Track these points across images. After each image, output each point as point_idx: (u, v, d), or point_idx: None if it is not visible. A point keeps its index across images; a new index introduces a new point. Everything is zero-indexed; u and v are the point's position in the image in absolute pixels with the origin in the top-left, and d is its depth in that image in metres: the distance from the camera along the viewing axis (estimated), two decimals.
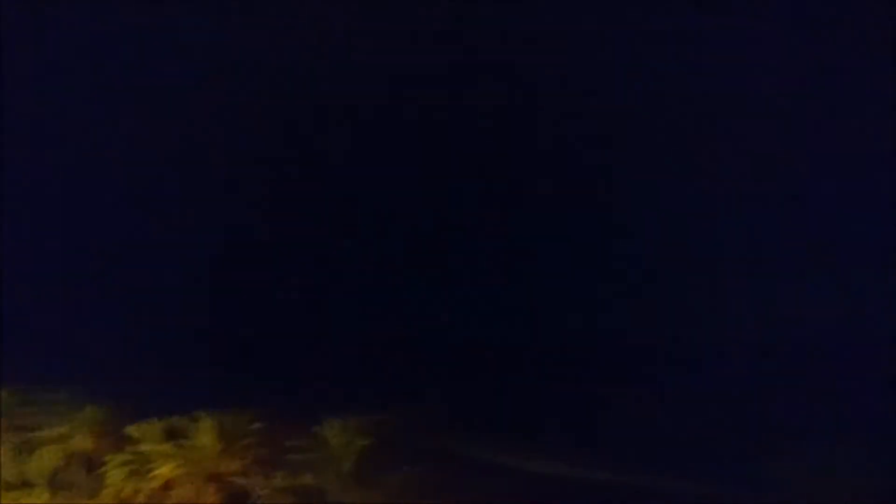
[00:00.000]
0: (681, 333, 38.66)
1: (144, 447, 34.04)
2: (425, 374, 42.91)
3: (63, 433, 43.00)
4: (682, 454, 28.28)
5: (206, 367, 52.99)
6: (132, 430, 36.68)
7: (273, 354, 53.66)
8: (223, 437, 31.26)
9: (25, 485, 45.97)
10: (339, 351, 49.96)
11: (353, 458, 26.59)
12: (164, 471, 30.74)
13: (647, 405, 35.94)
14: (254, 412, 33.25)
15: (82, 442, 41.70)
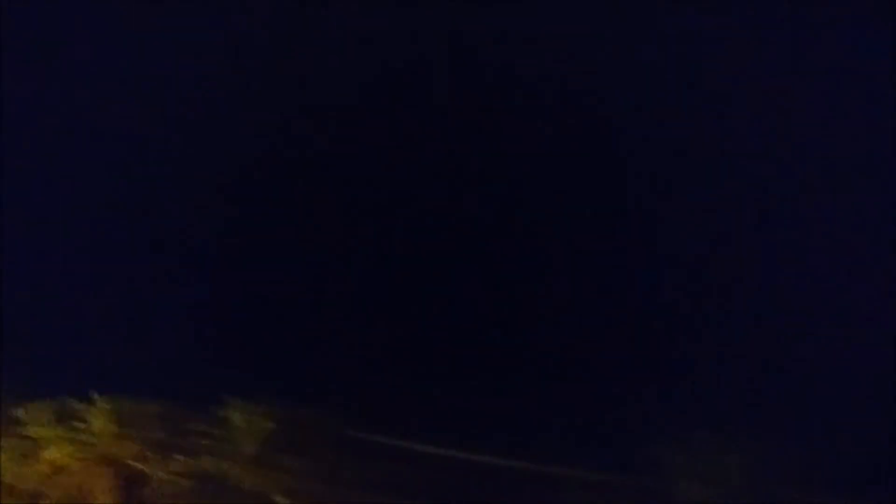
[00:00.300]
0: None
1: (33, 430, 32.64)
2: (336, 360, 42.78)
3: None
4: (578, 441, 29.12)
5: (103, 345, 51.08)
6: (20, 412, 35.05)
7: (177, 335, 52.17)
8: (120, 420, 30.34)
9: None
10: (249, 333, 49.04)
11: (256, 442, 26.34)
12: (55, 455, 29.65)
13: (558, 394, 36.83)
14: (154, 394, 32.39)
15: None
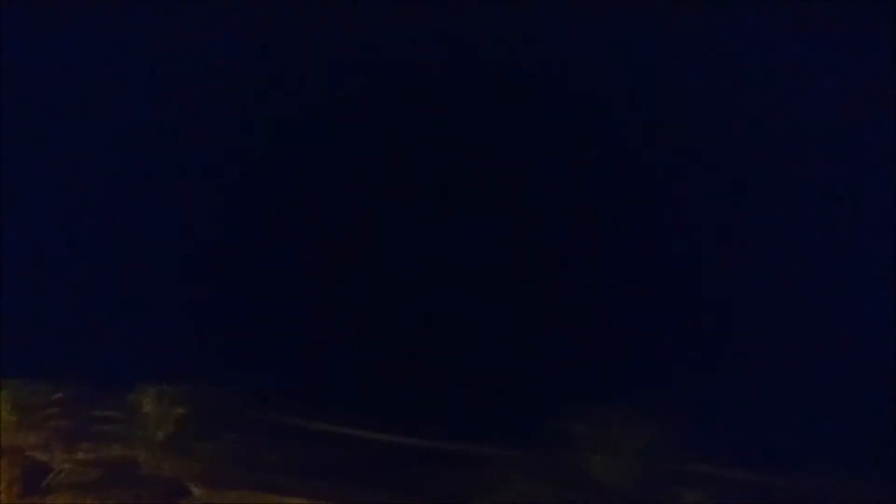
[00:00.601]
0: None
1: None
2: (249, 343, 42.14)
3: None
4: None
5: (5, 329, 48.77)
6: None
7: (84, 319, 50.17)
8: (19, 408, 29.09)
9: None
10: (159, 313, 47.59)
11: (168, 427, 25.71)
12: None
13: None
14: (57, 380, 31.14)
15: None
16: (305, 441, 38.09)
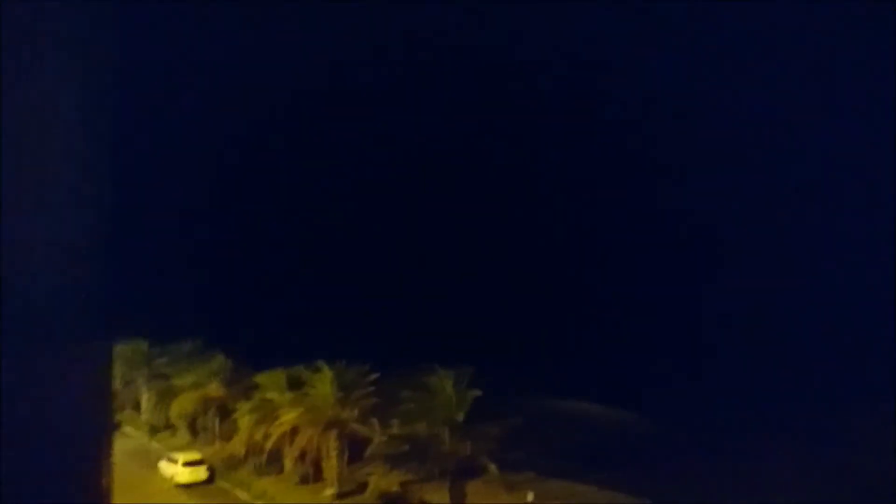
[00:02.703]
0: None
1: (270, 395, 36.27)
2: (536, 333, 44.07)
3: (196, 381, 46.48)
4: None
5: (322, 318, 55.92)
6: (260, 378, 39.08)
7: (385, 307, 55.92)
8: (341, 387, 32.85)
9: (168, 428, 50.26)
10: (449, 306, 51.49)
11: (465, 408, 27.22)
12: (289, 418, 32.71)
13: None
14: (369, 363, 34.77)
15: (214, 389, 45.00)
16: (589, 426, 38.84)
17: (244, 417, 36.31)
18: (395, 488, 29.58)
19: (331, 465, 33.26)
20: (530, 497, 26.46)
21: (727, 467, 28.70)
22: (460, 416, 26.44)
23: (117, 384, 62.12)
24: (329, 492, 32.92)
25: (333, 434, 33.39)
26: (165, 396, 48.57)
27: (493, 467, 25.21)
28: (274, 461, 35.81)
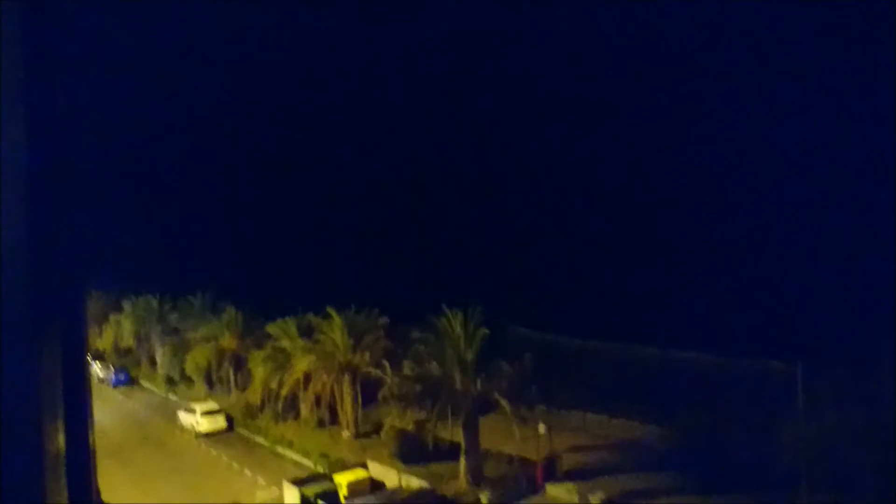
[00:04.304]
0: None
1: (283, 344, 36.77)
2: (540, 275, 44.44)
3: (209, 334, 47.11)
4: None
5: (330, 265, 56.26)
6: (271, 328, 39.53)
7: (392, 250, 56.17)
8: (352, 333, 33.24)
9: (185, 379, 51.20)
10: (456, 246, 51.71)
11: (474, 347, 27.48)
12: (303, 365, 33.21)
13: None
14: (379, 307, 35.06)
15: (228, 341, 45.63)
16: (587, 358, 39.28)
17: (258, 367, 36.91)
18: (409, 427, 30.19)
19: (346, 409, 33.92)
20: (542, 429, 26.98)
21: (741, 403, 29.04)
22: (470, 356, 26.74)
23: (131, 341, 63.14)
24: (346, 434, 33.68)
25: (347, 378, 33.95)
26: (180, 351, 49.33)
27: (504, 403, 25.59)
28: (290, 408, 36.57)
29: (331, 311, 33.71)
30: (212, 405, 39.17)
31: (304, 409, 35.40)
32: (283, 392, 33.39)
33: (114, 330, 63.54)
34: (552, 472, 25.83)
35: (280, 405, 35.25)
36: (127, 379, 54.87)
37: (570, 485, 25.06)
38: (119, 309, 62.08)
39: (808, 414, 20.27)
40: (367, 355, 32.61)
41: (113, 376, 54.80)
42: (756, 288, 34.28)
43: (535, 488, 25.49)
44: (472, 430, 26.57)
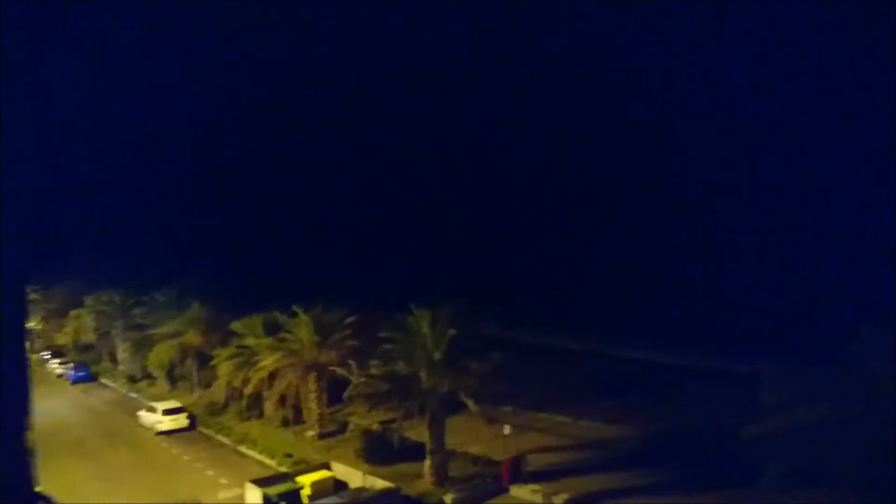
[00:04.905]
0: None
1: (249, 341, 36.26)
2: (492, 267, 44.73)
3: (173, 330, 46.33)
4: None
5: (296, 262, 55.75)
6: (237, 325, 38.94)
7: (360, 248, 55.87)
8: (320, 330, 32.88)
9: (147, 376, 50.31)
10: (424, 244, 51.55)
11: (442, 347, 27.29)
12: (268, 363, 32.78)
13: None
14: (347, 304, 34.74)
15: (192, 337, 44.92)
16: (557, 358, 39.51)
17: (223, 364, 36.35)
18: (375, 427, 29.97)
19: (311, 408, 33.58)
20: (507, 429, 26.97)
21: (706, 403, 29.39)
22: (438, 355, 26.59)
23: (92, 336, 61.96)
24: (310, 433, 33.33)
25: (312, 377, 33.60)
26: (142, 347, 48.46)
27: (471, 403, 25.49)
28: (254, 406, 36.10)
29: (297, 308, 33.36)
30: (174, 403, 38.55)
31: (269, 408, 34.97)
32: (248, 390, 32.95)
33: (74, 325, 62.33)
34: (517, 472, 25.81)
35: (244, 403, 34.82)
36: (87, 375, 53.81)
37: (534, 485, 25.08)
38: (81, 304, 60.92)
39: (771, 414, 20.53)
40: (333, 353, 32.32)
41: (72, 372, 53.73)
42: (724, 290, 34.64)
43: (500, 488, 25.47)
44: (438, 430, 26.44)
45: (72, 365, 55.05)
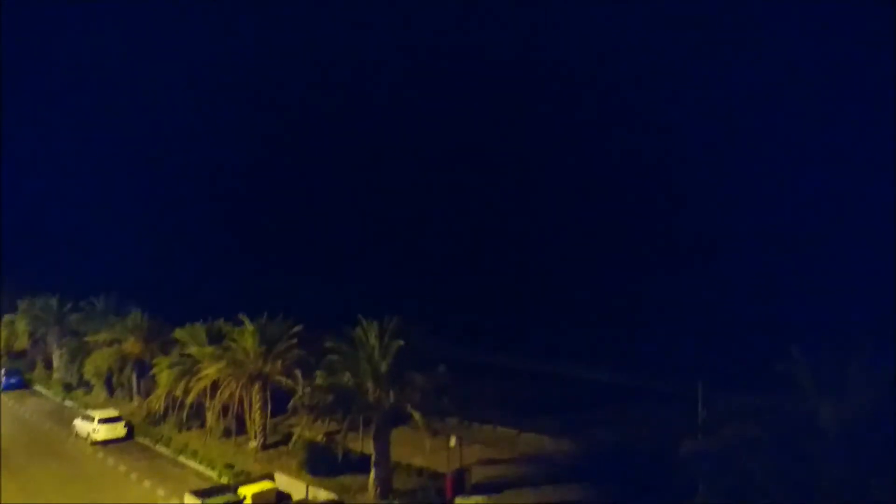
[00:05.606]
0: None
1: (192, 350, 35.54)
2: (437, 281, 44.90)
3: (112, 337, 45.11)
4: None
5: (245, 272, 54.93)
6: (179, 333, 38.13)
7: (308, 257, 55.37)
8: (264, 340, 32.46)
9: (83, 384, 48.77)
10: (371, 255, 51.44)
11: (388, 359, 27.22)
12: (211, 372, 32.20)
13: None
14: (293, 315, 34.37)
15: (131, 346, 43.80)
16: (505, 375, 39.86)
17: (163, 373, 35.50)
18: (319, 438, 29.69)
19: (254, 418, 33.02)
20: (452, 442, 27.05)
21: (646, 419, 29.95)
22: (384, 367, 26.53)
23: (25, 342, 59.81)
24: (253, 444, 32.78)
25: (256, 387, 33.09)
26: (79, 354, 47.05)
27: (417, 415, 25.50)
28: (195, 416, 35.33)
29: (243, 317, 32.89)
30: (111, 412, 37.51)
31: (211, 418, 34.29)
32: (189, 399, 32.27)
33: (7, 331, 60.15)
34: (461, 484, 25.89)
35: (185, 413, 34.05)
36: (19, 382, 51.93)
37: (478, 497, 25.20)
38: (14, 309, 58.82)
39: (707, 430, 21.13)
40: (278, 364, 31.93)
41: (3, 379, 51.85)
42: (665, 309, 35.53)
43: (444, 501, 25.50)
44: (382, 442, 26.36)
45: (3, 371, 53.10)
